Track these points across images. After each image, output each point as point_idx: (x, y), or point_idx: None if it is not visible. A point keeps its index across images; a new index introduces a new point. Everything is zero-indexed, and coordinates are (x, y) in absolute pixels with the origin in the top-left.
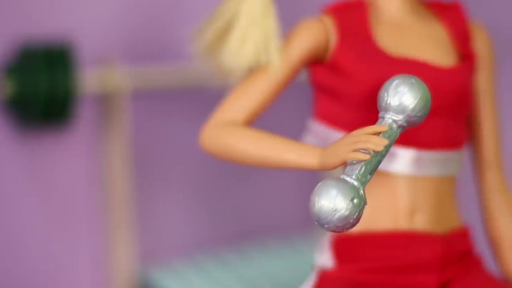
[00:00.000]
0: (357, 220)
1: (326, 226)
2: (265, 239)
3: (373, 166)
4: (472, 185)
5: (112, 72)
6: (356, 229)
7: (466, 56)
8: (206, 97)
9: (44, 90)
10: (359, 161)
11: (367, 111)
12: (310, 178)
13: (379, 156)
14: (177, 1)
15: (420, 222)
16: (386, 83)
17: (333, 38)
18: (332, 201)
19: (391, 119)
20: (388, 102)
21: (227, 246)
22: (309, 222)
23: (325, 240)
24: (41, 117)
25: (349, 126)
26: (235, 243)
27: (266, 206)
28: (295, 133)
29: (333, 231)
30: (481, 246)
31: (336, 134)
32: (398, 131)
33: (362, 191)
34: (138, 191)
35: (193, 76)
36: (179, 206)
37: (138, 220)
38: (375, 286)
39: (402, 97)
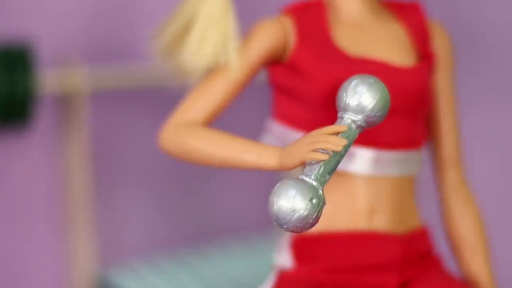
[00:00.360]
0: (316, 220)
1: (285, 226)
2: (224, 239)
3: (332, 166)
4: (432, 185)
5: (71, 73)
6: (315, 229)
7: (425, 56)
8: (165, 97)
9: (3, 90)
10: (318, 161)
11: (326, 111)
12: (269, 179)
13: (338, 156)
14: (136, 1)
15: (380, 222)
16: (345, 83)
17: (292, 38)
18: (290, 201)
19: (350, 119)
20: (347, 102)
21: (186, 247)
22: (269, 222)
23: (284, 240)
24: (0, 118)
25: (308, 126)
26: (195, 243)
27: (225, 206)
28: (254, 134)
29: (292, 231)
30: (441, 246)
31: (295, 134)
32: (357, 131)
33: (321, 191)
34: (98, 192)
35: (152, 76)
36: (139, 206)
37: (98, 220)
38: (335, 286)
39: (361, 97)
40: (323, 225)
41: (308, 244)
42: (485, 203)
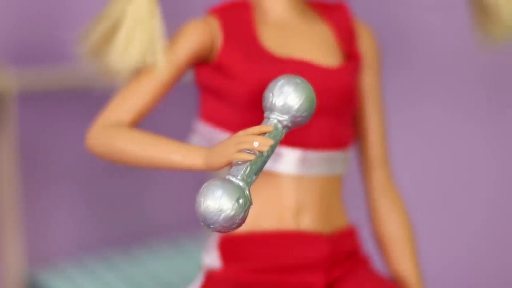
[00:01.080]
0: (242, 220)
1: (212, 226)
2: (152, 240)
3: (259, 167)
4: (359, 185)
5: None
6: (243, 229)
7: (351, 56)
8: (93, 98)
9: None
10: (244, 162)
11: (253, 111)
12: (197, 179)
13: (265, 157)
14: (63, 1)
15: (307, 222)
16: (271, 83)
17: (219, 39)
18: (217, 202)
19: (276, 119)
20: (273, 102)
21: (115, 248)
22: (196, 222)
23: (212, 241)
24: None
25: (235, 126)
26: (123, 244)
27: (153, 207)
28: (181, 134)
29: (219, 231)
30: (368, 246)
31: (221, 135)
32: (284, 131)
33: (247, 191)
34: (26, 193)
35: (80, 77)
36: (67, 207)
37: (27, 222)
38: (262, 286)
39: (287, 98)
40: (250, 225)
41: (236, 244)
42: (412, 203)
